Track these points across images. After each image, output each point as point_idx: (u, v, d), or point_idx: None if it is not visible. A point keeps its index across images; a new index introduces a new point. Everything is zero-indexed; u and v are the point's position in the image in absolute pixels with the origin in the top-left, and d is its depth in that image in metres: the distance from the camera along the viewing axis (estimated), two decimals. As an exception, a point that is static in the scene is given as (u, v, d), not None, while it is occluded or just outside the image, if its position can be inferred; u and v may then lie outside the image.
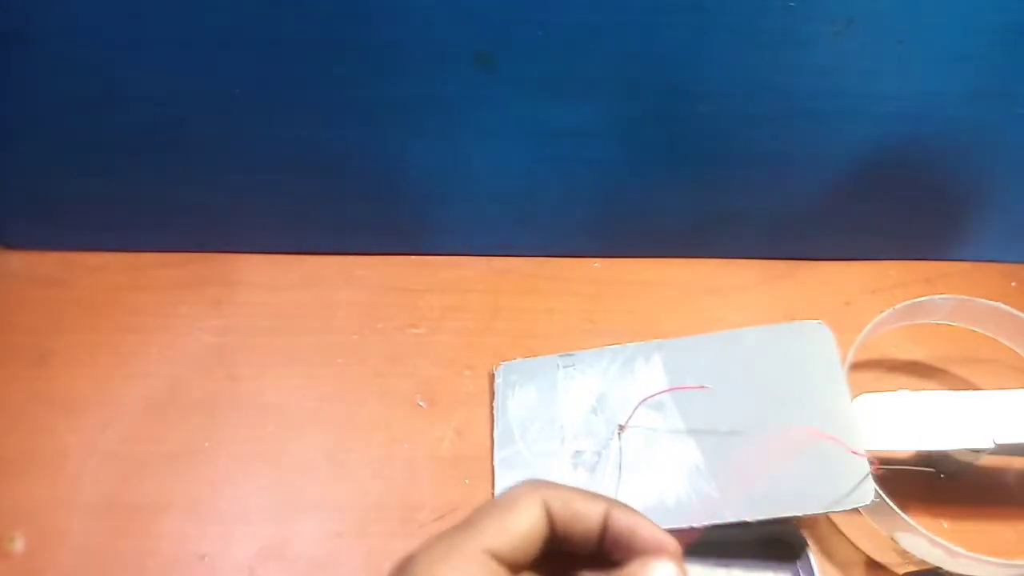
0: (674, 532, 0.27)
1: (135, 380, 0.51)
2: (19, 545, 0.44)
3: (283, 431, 0.49)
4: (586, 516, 0.26)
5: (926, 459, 0.47)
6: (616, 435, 0.45)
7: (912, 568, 0.43)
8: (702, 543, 0.41)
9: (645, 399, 0.46)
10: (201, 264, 0.56)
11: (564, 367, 0.50)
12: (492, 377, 0.51)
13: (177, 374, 0.51)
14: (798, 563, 0.42)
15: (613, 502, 0.27)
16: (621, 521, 0.26)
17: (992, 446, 0.42)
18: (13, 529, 0.45)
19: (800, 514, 0.40)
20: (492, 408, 0.50)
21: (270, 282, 0.56)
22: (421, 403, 0.50)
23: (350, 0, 0.41)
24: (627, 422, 0.45)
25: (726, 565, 0.42)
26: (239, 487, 0.47)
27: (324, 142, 0.49)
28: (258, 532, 0.45)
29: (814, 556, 0.41)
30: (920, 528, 0.40)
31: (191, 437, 0.48)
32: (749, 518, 0.40)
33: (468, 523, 0.26)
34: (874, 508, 0.41)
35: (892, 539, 0.42)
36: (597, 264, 0.57)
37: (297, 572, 0.44)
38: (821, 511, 0.41)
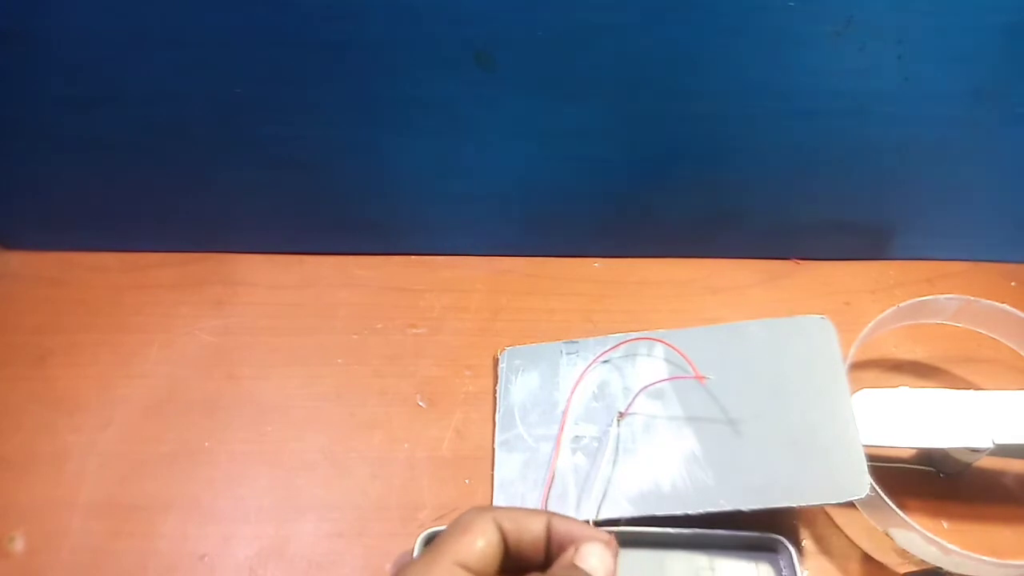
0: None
1: (135, 380, 0.51)
2: (19, 545, 0.44)
3: (283, 431, 0.49)
4: (530, 527, 0.30)
5: (926, 458, 0.47)
6: (615, 422, 0.46)
7: (912, 568, 0.43)
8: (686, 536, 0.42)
9: (645, 387, 0.46)
10: (201, 264, 0.56)
11: (567, 354, 0.50)
12: (496, 362, 0.51)
13: (177, 374, 0.51)
14: (779, 555, 0.42)
15: (553, 514, 0.31)
16: (561, 526, 0.30)
17: (991, 446, 0.42)
18: (13, 529, 0.45)
19: (795, 505, 0.41)
20: (495, 393, 0.50)
21: (270, 282, 0.56)
22: (421, 403, 0.50)
23: (350, 0, 0.41)
24: (627, 409, 0.46)
25: (709, 555, 0.42)
26: (239, 487, 0.47)
27: (324, 142, 0.49)
28: (258, 532, 0.45)
29: (795, 549, 0.41)
30: (914, 524, 0.40)
31: (191, 437, 0.48)
32: (744, 507, 0.41)
33: (436, 545, 0.29)
34: (870, 502, 0.41)
35: (888, 535, 0.42)
36: (597, 264, 0.57)
37: (297, 572, 0.44)
38: (816, 503, 0.41)
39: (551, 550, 0.30)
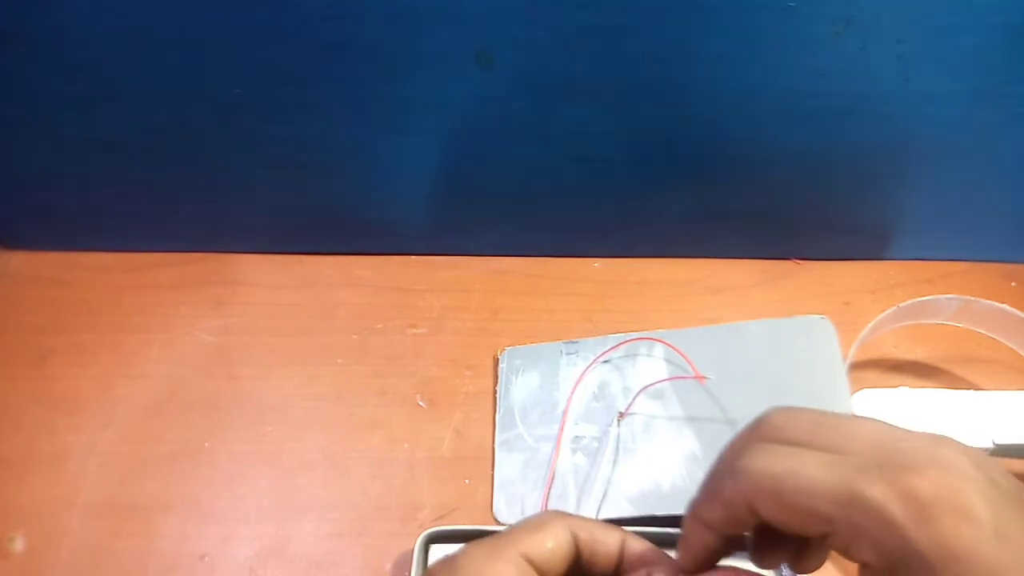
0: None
1: (135, 380, 0.51)
2: (19, 545, 0.44)
3: (283, 431, 0.49)
4: (606, 541, 0.30)
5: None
6: (615, 422, 0.46)
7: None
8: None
9: (645, 387, 0.46)
10: (201, 264, 0.56)
11: (567, 354, 0.50)
12: (496, 362, 0.51)
13: (177, 374, 0.51)
14: None
15: (628, 533, 0.31)
16: (635, 548, 0.31)
17: (991, 446, 0.42)
18: (13, 529, 0.45)
19: None
20: (495, 393, 0.50)
21: (270, 282, 0.56)
22: (421, 403, 0.50)
23: (350, 0, 0.41)
24: (627, 410, 0.46)
25: None
26: (239, 487, 0.47)
27: (324, 142, 0.49)
28: (258, 532, 0.45)
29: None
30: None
31: (191, 437, 0.48)
32: None
33: (505, 534, 0.29)
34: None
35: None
36: (597, 264, 0.57)
37: (297, 572, 0.44)
38: None
39: (621, 568, 0.31)
